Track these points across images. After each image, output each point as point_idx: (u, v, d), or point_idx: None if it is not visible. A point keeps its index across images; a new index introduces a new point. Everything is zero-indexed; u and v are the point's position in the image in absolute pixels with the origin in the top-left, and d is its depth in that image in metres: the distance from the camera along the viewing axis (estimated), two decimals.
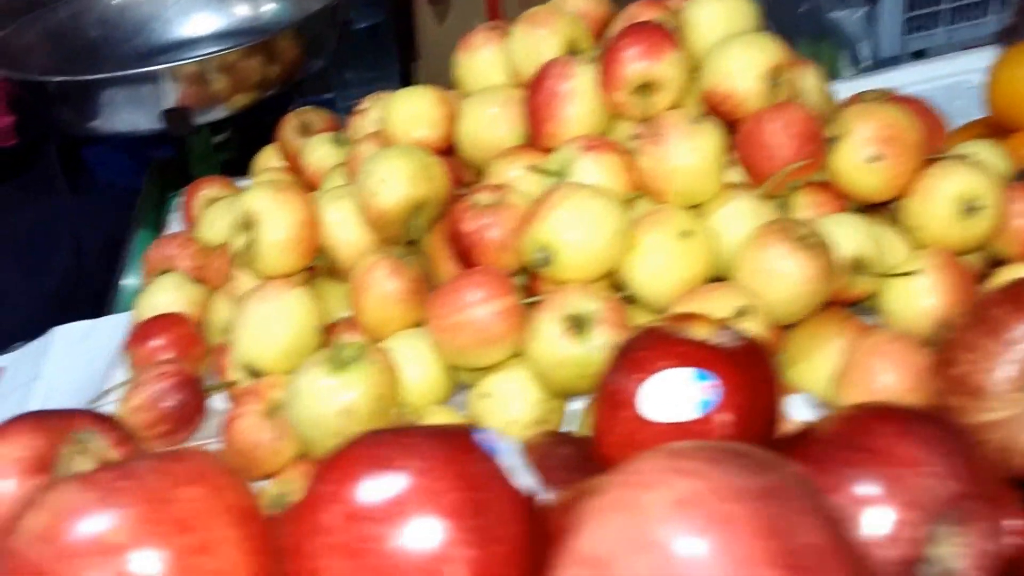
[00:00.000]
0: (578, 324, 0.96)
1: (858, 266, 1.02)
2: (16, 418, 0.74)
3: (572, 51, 1.20)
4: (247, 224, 1.12)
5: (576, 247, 0.99)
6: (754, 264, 0.99)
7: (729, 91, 1.09)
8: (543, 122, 1.13)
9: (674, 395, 0.71)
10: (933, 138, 1.12)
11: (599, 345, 0.95)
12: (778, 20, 1.33)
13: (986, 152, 1.12)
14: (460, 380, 1.08)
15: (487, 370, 1.04)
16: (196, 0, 2.06)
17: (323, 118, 1.51)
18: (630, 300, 1.03)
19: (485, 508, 0.53)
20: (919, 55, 1.93)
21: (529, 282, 1.09)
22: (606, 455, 0.75)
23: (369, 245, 1.14)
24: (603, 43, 1.18)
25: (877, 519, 0.59)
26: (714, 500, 0.46)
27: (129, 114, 1.66)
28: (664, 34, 1.09)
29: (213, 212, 1.40)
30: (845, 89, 1.28)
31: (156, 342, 1.20)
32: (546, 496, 0.60)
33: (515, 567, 0.54)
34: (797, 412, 0.87)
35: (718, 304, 0.95)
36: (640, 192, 1.09)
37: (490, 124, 1.21)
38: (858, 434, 0.68)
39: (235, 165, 1.70)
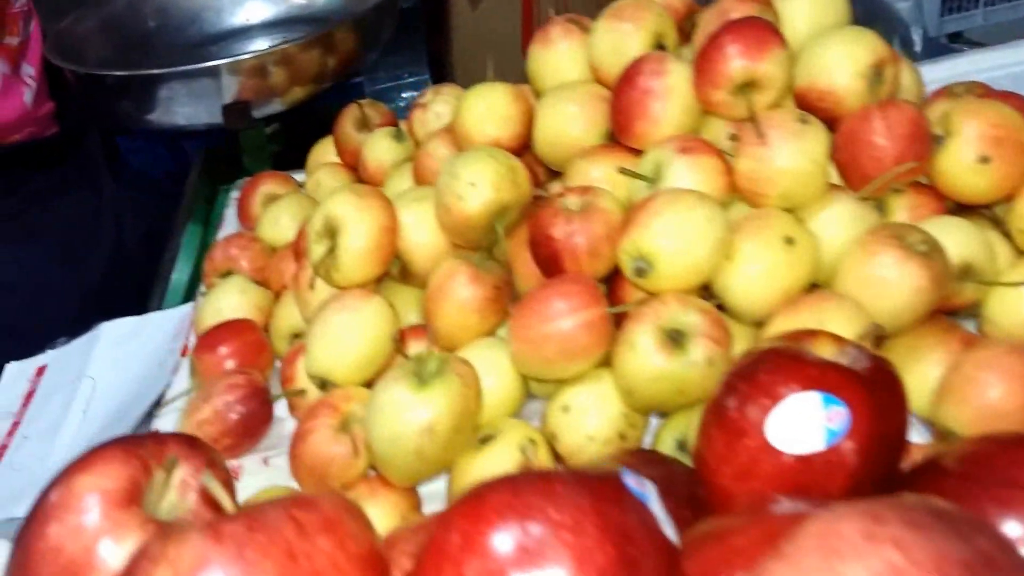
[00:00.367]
0: (675, 338, 0.91)
1: (965, 273, 0.97)
2: (104, 445, 0.70)
3: (659, 46, 1.15)
4: (329, 232, 1.08)
5: (677, 257, 0.94)
6: (861, 272, 0.94)
7: (828, 88, 1.04)
8: (633, 120, 1.08)
9: (802, 423, 0.67)
10: None
11: (697, 360, 0.90)
12: None
13: None
14: (530, 390, 1.04)
15: (563, 381, 0.99)
16: None
17: (381, 112, 1.49)
18: (720, 308, 0.98)
19: (638, 566, 0.49)
20: (956, 37, 1.91)
21: (613, 289, 1.04)
22: (721, 485, 0.71)
23: (444, 249, 1.10)
24: (698, 38, 1.12)
25: None
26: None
27: (188, 108, 1.63)
28: (770, 30, 1.03)
29: (275, 210, 1.38)
30: None
31: (223, 350, 1.17)
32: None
33: None
34: None
35: (826, 316, 0.90)
36: (736, 195, 1.03)
37: (570, 122, 1.16)
38: (1007, 468, 0.63)
39: (284, 157, 1.67)
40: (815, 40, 1.07)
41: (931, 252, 0.92)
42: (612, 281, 1.04)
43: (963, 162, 1.00)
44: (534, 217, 1.05)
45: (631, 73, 1.09)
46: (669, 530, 0.52)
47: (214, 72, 1.59)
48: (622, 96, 1.09)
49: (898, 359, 0.91)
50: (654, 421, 0.99)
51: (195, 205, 1.70)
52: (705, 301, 0.95)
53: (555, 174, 1.21)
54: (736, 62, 1.02)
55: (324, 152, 1.52)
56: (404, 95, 2.14)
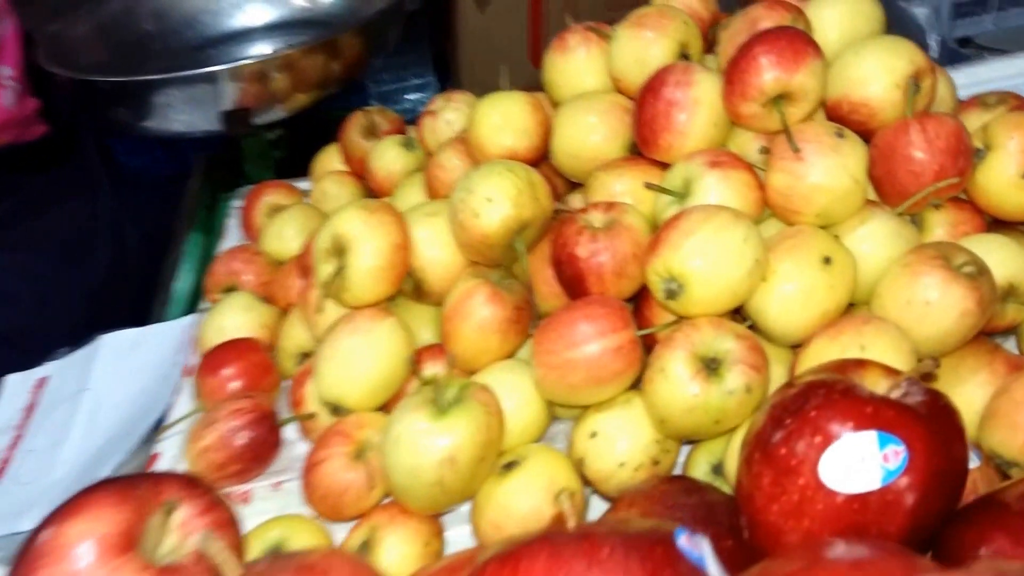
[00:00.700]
0: (710, 365, 0.87)
1: (1008, 293, 0.93)
2: (97, 486, 0.67)
3: (683, 55, 1.11)
4: (337, 250, 1.03)
5: (711, 279, 0.89)
6: (904, 294, 0.89)
7: (862, 100, 1.00)
8: (659, 133, 1.03)
9: (857, 463, 0.64)
10: None
11: (735, 389, 0.86)
12: None
13: None
14: (555, 413, 1.00)
15: (591, 406, 0.95)
16: None
17: (389, 119, 1.44)
18: (751, 328, 0.93)
19: None
20: (965, 42, 1.89)
21: (640, 308, 1.00)
22: (769, 522, 0.67)
23: (460, 265, 1.05)
24: (725, 48, 1.08)
25: None
26: None
27: (186, 115, 1.58)
28: (805, 41, 0.99)
29: (279, 222, 1.33)
30: None
31: (227, 372, 1.12)
32: None
33: None
34: None
35: (868, 341, 0.86)
36: (769, 211, 0.99)
37: (591, 133, 1.12)
38: None
39: (288, 163, 1.63)
40: (850, 49, 1.03)
41: (978, 274, 0.88)
42: (639, 300, 1.00)
43: (1005, 177, 0.97)
44: (556, 235, 1.01)
45: (655, 84, 1.04)
46: None
47: (213, 78, 1.53)
48: (646, 108, 1.04)
49: (940, 381, 0.89)
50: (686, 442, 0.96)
51: (196, 213, 1.65)
52: (740, 325, 0.91)
53: (575, 185, 1.17)
54: (769, 74, 0.97)
55: (330, 160, 1.47)
56: (409, 97, 2.10)
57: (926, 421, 0.64)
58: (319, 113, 1.68)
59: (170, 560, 0.67)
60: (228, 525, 0.72)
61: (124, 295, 1.66)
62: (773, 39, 0.99)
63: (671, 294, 0.90)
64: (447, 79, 2.13)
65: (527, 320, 1.01)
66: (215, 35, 1.96)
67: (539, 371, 0.93)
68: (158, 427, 1.16)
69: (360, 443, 0.96)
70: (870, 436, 0.62)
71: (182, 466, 1.06)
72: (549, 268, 1.03)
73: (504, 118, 1.14)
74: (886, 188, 0.98)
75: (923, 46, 1.66)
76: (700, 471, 0.91)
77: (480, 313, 0.99)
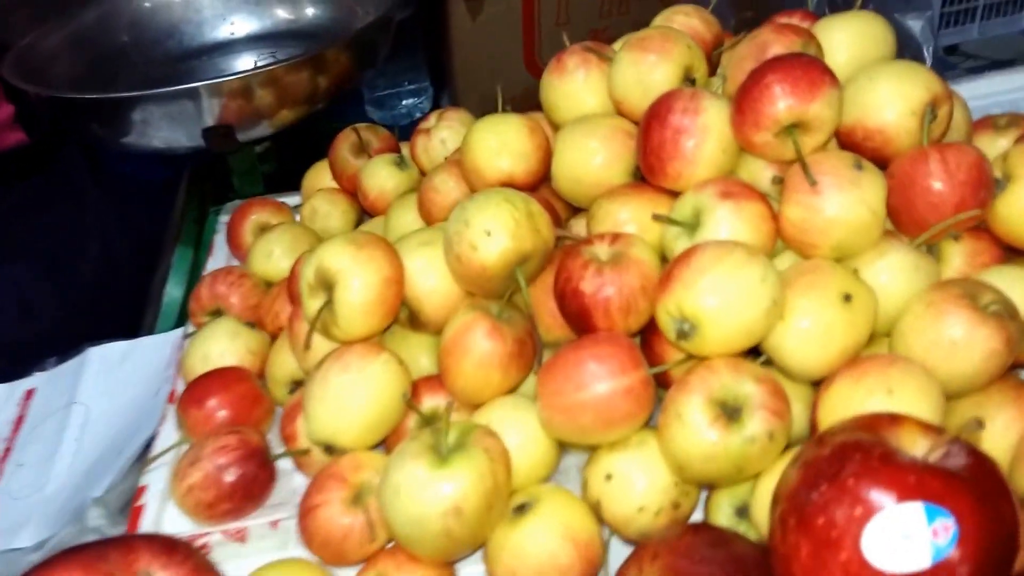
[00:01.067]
0: (729, 411, 0.83)
1: None
2: (62, 556, 0.63)
3: (687, 79, 1.07)
4: (324, 285, 0.98)
5: (726, 320, 0.85)
6: (928, 334, 0.86)
7: (877, 127, 0.96)
8: (666, 161, 0.99)
9: (904, 539, 0.60)
10: None
11: (756, 436, 0.82)
12: None
13: None
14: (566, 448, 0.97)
15: (603, 445, 0.91)
16: (232, 2, 1.93)
17: (379, 136, 1.41)
18: (767, 363, 0.90)
19: None
20: (951, 50, 1.92)
21: (649, 343, 0.96)
22: None
23: (458, 296, 1.01)
24: (733, 73, 1.04)
25: None
26: None
27: (166, 131, 1.54)
28: (821, 70, 0.95)
29: (267, 242, 1.29)
30: None
31: (213, 403, 1.07)
32: None
33: None
34: None
35: (894, 384, 0.82)
36: (783, 245, 0.96)
37: (593, 158, 1.07)
38: None
39: (279, 176, 1.59)
40: (863, 74, 0.99)
41: (1005, 313, 0.85)
42: (648, 334, 0.96)
43: None
44: (560, 268, 0.97)
45: (661, 110, 1.00)
46: None
47: (193, 94, 1.49)
48: (652, 134, 1.00)
49: (964, 419, 0.83)
50: None
51: (183, 226, 1.62)
52: (759, 365, 0.87)
53: (577, 208, 1.13)
54: (784, 103, 0.93)
55: (320, 176, 1.43)
56: (404, 102, 2.07)
57: (974, 488, 0.60)
58: (311, 124, 1.64)
59: None
60: None
61: (112, 305, 1.61)
62: (788, 67, 0.95)
63: (683, 335, 0.87)
64: (443, 85, 2.10)
65: (530, 354, 0.97)
66: (196, 46, 1.92)
67: (546, 412, 0.89)
68: (150, 445, 1.12)
69: (357, 486, 0.92)
70: (916, 509, 0.59)
71: (169, 502, 1.02)
72: (552, 299, 0.99)
73: (501, 141, 1.09)
74: (903, 218, 0.95)
75: (920, 58, 1.65)
76: (723, 514, 0.87)
77: (480, 348, 0.94)
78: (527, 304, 0.98)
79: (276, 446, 1.05)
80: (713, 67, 1.14)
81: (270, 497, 1.03)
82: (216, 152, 1.58)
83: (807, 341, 0.87)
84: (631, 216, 1.01)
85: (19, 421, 1.29)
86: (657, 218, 0.96)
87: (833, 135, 0.99)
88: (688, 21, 1.17)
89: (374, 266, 0.97)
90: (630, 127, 1.07)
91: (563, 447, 0.95)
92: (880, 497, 0.60)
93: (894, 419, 0.68)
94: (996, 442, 0.84)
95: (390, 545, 0.91)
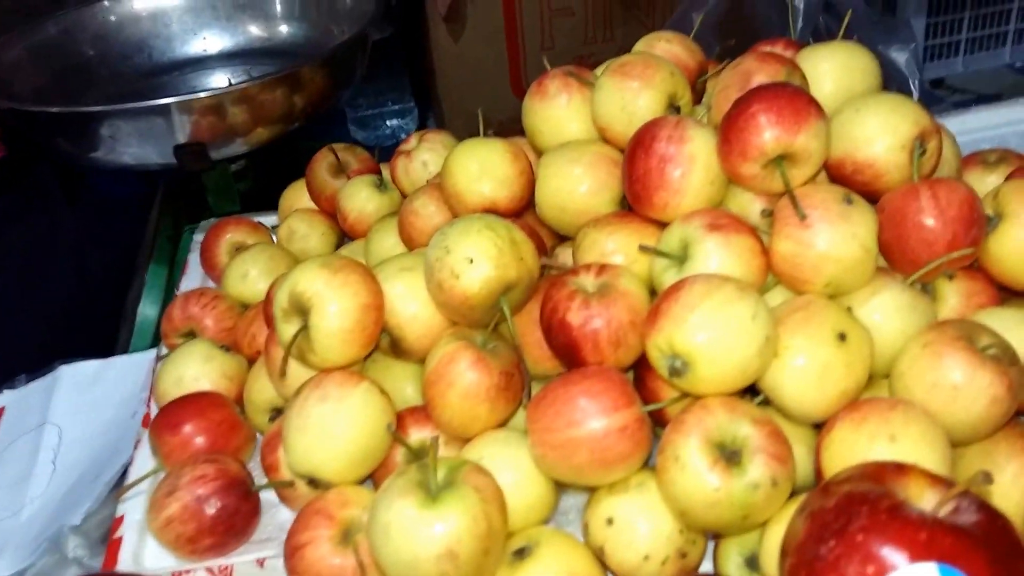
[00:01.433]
0: (728, 453, 0.81)
1: None
2: None
3: (672, 106, 1.06)
4: (299, 310, 0.96)
5: (719, 358, 0.84)
6: (927, 377, 0.84)
7: (868, 160, 0.95)
8: (652, 190, 0.98)
9: None
10: None
11: (760, 482, 0.80)
12: None
13: None
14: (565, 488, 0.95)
15: (603, 486, 0.89)
16: (203, 16, 1.91)
17: (358, 156, 1.39)
18: (766, 404, 0.89)
19: None
20: (937, 84, 1.94)
21: (642, 377, 0.94)
22: None
23: (442, 323, 0.99)
24: (718, 101, 1.03)
25: None
26: None
27: (135, 148, 1.51)
28: (806, 100, 0.94)
29: (243, 263, 1.27)
30: None
31: (188, 430, 1.05)
32: None
33: None
34: None
35: (896, 429, 0.81)
36: (773, 279, 0.95)
37: (578, 185, 1.06)
38: None
39: (256, 194, 1.57)
40: (850, 106, 0.98)
41: (1005, 357, 0.84)
42: (641, 369, 0.94)
43: (1020, 248, 0.92)
44: (546, 299, 0.95)
45: (646, 138, 0.99)
46: None
47: (163, 111, 1.47)
48: (637, 163, 0.99)
49: (972, 468, 0.84)
50: None
51: (156, 244, 1.60)
52: (756, 406, 0.86)
53: (564, 236, 1.12)
54: (770, 134, 0.93)
55: (298, 196, 1.40)
56: (389, 123, 2.06)
57: (986, 545, 0.59)
58: (290, 142, 1.62)
59: None
60: None
61: (86, 323, 1.60)
62: (772, 97, 0.94)
63: (676, 372, 0.85)
64: (429, 106, 2.09)
65: (518, 386, 0.95)
66: (167, 62, 1.90)
67: (538, 450, 0.88)
68: (128, 470, 1.10)
69: (345, 524, 0.89)
70: (930, 570, 0.57)
71: (147, 533, 0.99)
72: (539, 330, 0.97)
73: (482, 167, 1.08)
74: (895, 254, 0.94)
75: (906, 91, 1.66)
76: (732, 564, 0.85)
77: (465, 380, 0.92)
78: (513, 335, 0.96)
79: (258, 476, 1.03)
80: (698, 95, 1.13)
81: (255, 532, 1.00)
82: (189, 170, 1.56)
83: (804, 381, 0.86)
84: (618, 246, 1.00)
85: None
86: (644, 249, 0.94)
87: (822, 168, 0.98)
88: (670, 48, 1.16)
89: (350, 291, 0.95)
90: (615, 154, 1.06)
91: (562, 487, 0.93)
92: (893, 555, 0.58)
93: (900, 469, 0.66)
94: (1006, 495, 0.83)
95: None
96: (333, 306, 0.94)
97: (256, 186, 1.66)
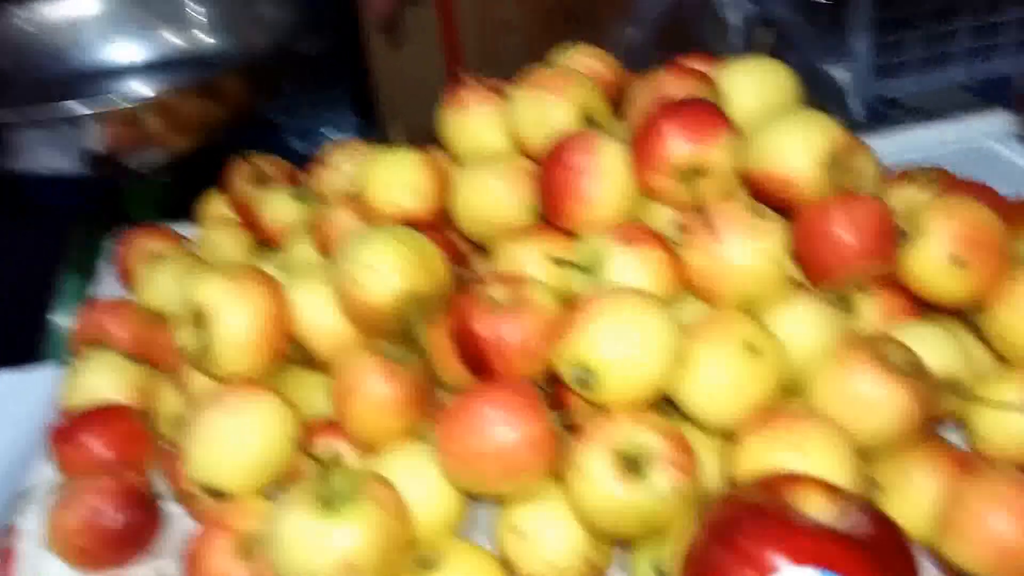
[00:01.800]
0: (633, 463, 0.80)
1: (946, 387, 0.89)
2: None
3: (588, 120, 1.05)
4: (198, 320, 0.94)
5: (625, 369, 0.84)
6: (838, 390, 0.85)
7: (784, 174, 0.95)
8: (564, 202, 0.98)
9: None
10: (1011, 232, 0.98)
11: (663, 491, 0.79)
12: None
13: None
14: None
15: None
16: (123, 26, 1.88)
17: (278, 167, 1.36)
18: (680, 416, 0.89)
19: None
20: (891, 103, 1.93)
21: (556, 391, 0.93)
22: None
23: (352, 334, 0.98)
24: (633, 115, 1.03)
25: None
26: None
27: (48, 157, 1.48)
28: (715, 114, 0.95)
29: (156, 272, 1.22)
30: None
31: (91, 441, 1.01)
32: None
33: None
34: None
35: (804, 440, 0.81)
36: (686, 291, 0.94)
37: (494, 197, 1.05)
38: None
39: (182, 206, 1.54)
40: (767, 122, 0.98)
41: (915, 371, 0.84)
42: (556, 383, 0.92)
43: (935, 263, 0.92)
44: (455, 308, 0.94)
45: (559, 151, 0.99)
46: None
47: (76, 120, 1.44)
48: (550, 175, 0.99)
49: (883, 478, 0.85)
50: None
51: (73, 254, 1.56)
52: (663, 418, 0.85)
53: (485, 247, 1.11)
54: (679, 147, 0.93)
55: (217, 206, 1.38)
56: (330, 136, 2.04)
57: (872, 552, 0.59)
58: (220, 150, 1.60)
59: None
60: None
61: (5, 334, 1.54)
62: (681, 111, 0.95)
63: (583, 383, 0.85)
64: (368, 117, 2.07)
65: (430, 398, 0.94)
66: (85, 71, 1.86)
67: (445, 460, 0.86)
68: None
69: (245, 536, 0.87)
70: (812, 575, 0.57)
71: (45, 545, 0.96)
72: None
73: (396, 177, 1.07)
74: (811, 268, 0.94)
75: (845, 109, 1.67)
76: (643, 574, 0.84)
77: (375, 392, 0.91)
78: (426, 346, 0.94)
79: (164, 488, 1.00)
80: (618, 108, 1.12)
81: (160, 544, 0.97)
82: (105, 180, 1.53)
83: (715, 392, 0.86)
84: (534, 257, 0.99)
85: None
86: (555, 261, 0.94)
87: (736, 182, 0.98)
88: (587, 62, 1.16)
89: (250, 301, 0.93)
90: (532, 167, 1.05)
91: (475, 497, 0.92)
92: (774, 559, 0.58)
93: (797, 480, 0.66)
94: (921, 505, 0.84)
95: None
96: (233, 316, 0.93)
97: (182, 196, 1.64)
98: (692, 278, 0.92)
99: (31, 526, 1.00)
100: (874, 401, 0.83)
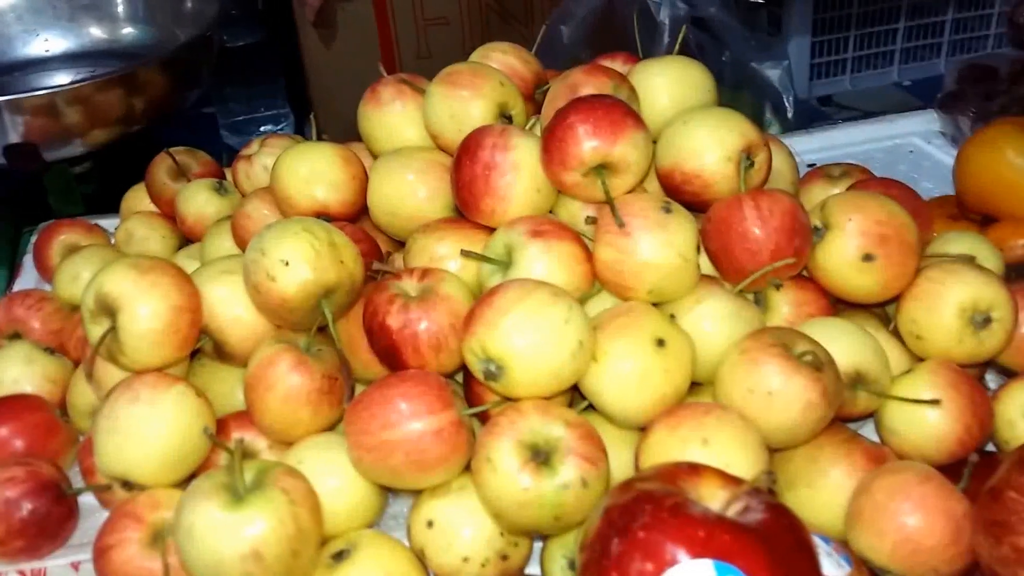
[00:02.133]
0: (540, 455, 0.80)
1: (857, 381, 0.90)
2: None
3: (504, 116, 1.06)
4: (107, 311, 0.93)
5: (531, 362, 0.84)
6: (744, 383, 0.85)
7: (695, 171, 0.97)
8: (479, 196, 0.98)
9: None
10: (922, 228, 0.99)
11: (569, 482, 0.79)
12: None
13: (979, 248, 1.02)
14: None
15: (425, 490, 0.88)
16: (44, 17, 1.86)
17: (200, 160, 1.35)
18: (590, 408, 0.89)
19: None
20: (825, 101, 1.98)
21: (470, 384, 0.93)
22: None
23: (264, 327, 0.97)
24: (546, 112, 1.04)
25: None
26: None
27: None
28: (624, 111, 0.95)
29: (75, 264, 1.22)
30: None
31: (1, 432, 1.01)
32: None
33: None
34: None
35: (710, 433, 0.82)
36: (597, 285, 0.94)
37: (410, 191, 1.05)
38: None
39: (105, 198, 1.52)
40: (679, 119, 1.00)
41: (819, 364, 0.85)
42: (468, 375, 0.93)
43: (844, 259, 0.94)
44: (367, 302, 0.94)
45: (472, 146, 0.99)
46: None
47: None
48: (464, 170, 0.99)
49: (798, 473, 0.86)
50: None
51: None
52: (570, 410, 0.85)
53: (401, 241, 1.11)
54: (587, 144, 0.94)
55: (138, 199, 1.37)
56: (264, 128, 2.03)
57: (767, 543, 0.59)
58: (147, 143, 1.58)
59: None
60: None
61: None
62: (590, 108, 0.95)
63: (491, 375, 0.85)
64: (302, 110, 2.06)
65: (342, 390, 0.94)
66: (6, 63, 1.84)
67: (354, 452, 0.86)
68: None
69: (155, 526, 0.86)
70: (706, 566, 0.57)
71: None
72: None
73: (312, 171, 1.07)
74: (723, 264, 0.95)
75: (780, 107, 1.69)
76: (557, 566, 0.85)
77: (286, 383, 0.90)
78: (337, 338, 0.94)
79: (79, 481, 0.99)
80: (537, 106, 1.13)
81: (73, 536, 0.97)
82: (21, 171, 1.52)
83: (623, 385, 0.86)
84: (449, 251, 0.99)
85: None
86: (466, 254, 0.94)
87: (648, 177, 0.99)
88: (504, 58, 1.15)
89: (159, 292, 0.92)
90: (448, 161, 1.05)
91: (392, 491, 0.92)
92: (672, 552, 0.58)
93: (694, 469, 0.66)
94: (831, 497, 0.85)
95: None
96: (141, 308, 0.91)
97: (106, 189, 1.62)
98: (603, 272, 0.92)
99: None
100: (779, 394, 0.83)
